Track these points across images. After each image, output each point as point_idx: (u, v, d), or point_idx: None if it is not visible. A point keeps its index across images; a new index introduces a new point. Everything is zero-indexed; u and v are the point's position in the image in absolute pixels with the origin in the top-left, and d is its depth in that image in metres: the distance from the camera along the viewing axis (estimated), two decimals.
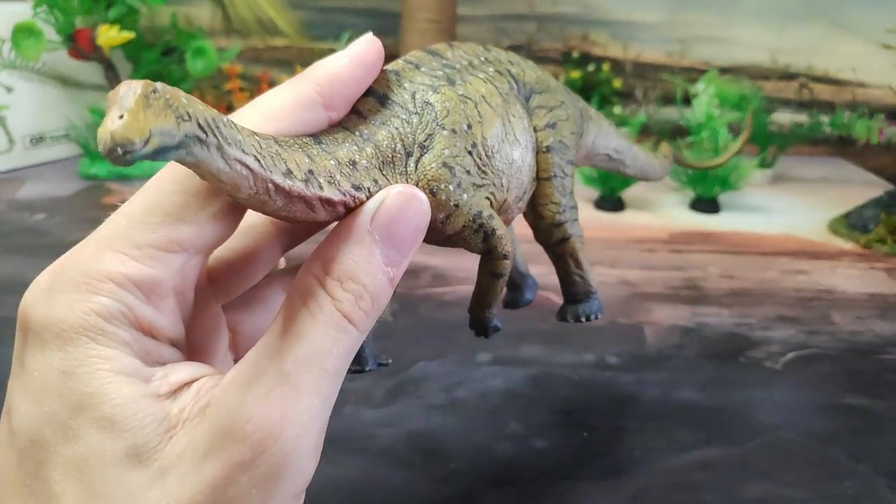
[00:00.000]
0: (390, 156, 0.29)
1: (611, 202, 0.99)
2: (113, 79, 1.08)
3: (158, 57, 1.10)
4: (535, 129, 0.35)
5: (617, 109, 1.18)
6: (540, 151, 0.35)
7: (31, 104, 1.08)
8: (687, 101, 1.10)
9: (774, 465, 0.46)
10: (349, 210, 0.27)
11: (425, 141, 0.29)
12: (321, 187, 0.26)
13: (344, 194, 0.27)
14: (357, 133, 0.28)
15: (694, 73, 1.27)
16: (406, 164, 0.29)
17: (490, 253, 0.32)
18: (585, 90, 1.22)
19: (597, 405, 0.52)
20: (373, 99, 0.30)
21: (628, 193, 1.00)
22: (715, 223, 0.94)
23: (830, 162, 1.29)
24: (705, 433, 0.49)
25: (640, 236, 0.88)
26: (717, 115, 0.99)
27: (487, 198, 0.31)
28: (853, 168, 1.26)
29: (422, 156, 0.29)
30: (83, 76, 1.13)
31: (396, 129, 0.29)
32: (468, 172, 0.30)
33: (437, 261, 0.78)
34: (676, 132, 1.16)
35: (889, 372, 0.58)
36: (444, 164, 0.29)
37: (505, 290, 0.43)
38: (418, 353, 0.58)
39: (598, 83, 1.21)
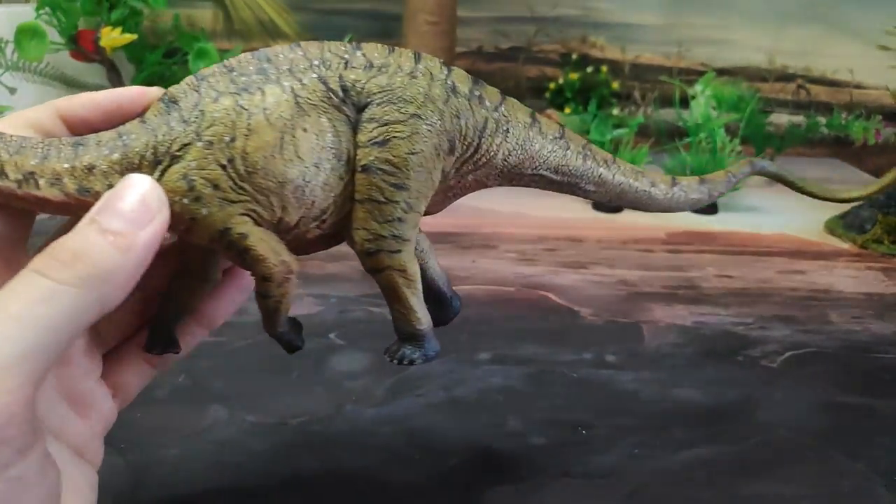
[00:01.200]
0: (137, 162, 0.29)
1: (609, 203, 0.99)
2: (115, 80, 1.09)
3: (160, 58, 1.11)
4: (358, 145, 0.32)
5: (615, 111, 1.18)
6: (356, 170, 0.32)
7: (33, 105, 1.08)
8: (685, 102, 1.11)
9: (772, 463, 0.47)
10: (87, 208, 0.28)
11: (178, 151, 0.30)
12: (38, 188, 0.28)
13: (66, 196, 0.29)
14: (121, 136, 0.30)
15: (692, 75, 1.27)
16: (153, 172, 0.29)
17: (251, 272, 0.32)
18: (584, 92, 1.22)
19: (595, 404, 0.53)
20: (162, 104, 0.30)
21: None
22: (713, 223, 0.95)
23: (828, 163, 1.29)
24: (703, 432, 0.50)
25: (639, 236, 0.89)
26: (714, 116, 1.00)
27: (247, 214, 0.30)
28: (850, 169, 1.27)
29: (169, 166, 0.30)
30: (86, 77, 1.14)
31: (157, 136, 0.30)
32: (216, 187, 0.30)
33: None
34: (674, 133, 1.17)
35: (886, 371, 0.59)
36: (184, 177, 0.29)
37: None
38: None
39: (596, 85, 1.22)
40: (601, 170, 0.39)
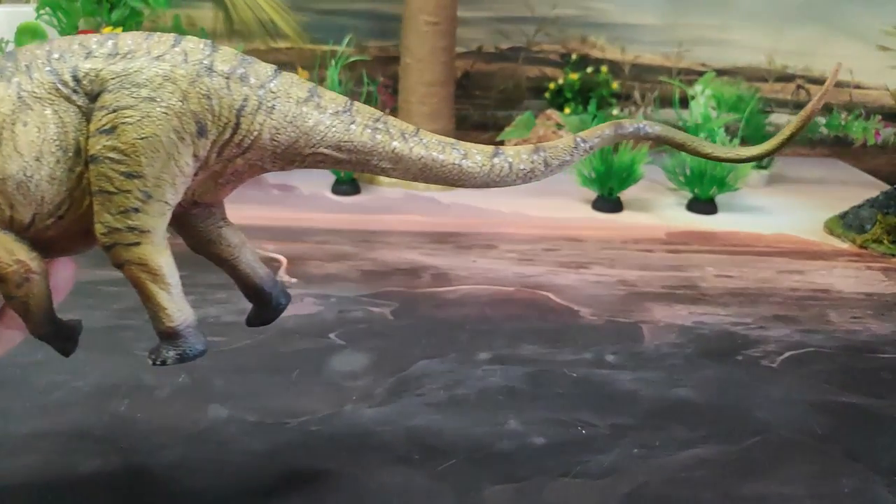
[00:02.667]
0: None
1: (609, 203, 0.99)
2: None
3: None
4: (88, 135, 0.31)
5: (615, 111, 1.18)
6: (87, 162, 0.31)
7: None
8: (685, 102, 1.11)
9: (771, 462, 0.47)
10: None
11: None
12: None
13: None
14: None
15: (691, 75, 1.28)
16: None
17: None
18: (584, 92, 1.23)
19: (595, 403, 0.53)
20: None
21: (626, 194, 1.01)
22: (712, 224, 0.95)
23: (827, 163, 1.30)
24: (703, 431, 0.50)
25: (638, 236, 0.89)
26: (714, 116, 1.00)
27: None
28: (850, 169, 1.27)
29: None
30: None
31: None
32: None
33: (438, 261, 0.78)
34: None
35: (885, 370, 0.59)
36: None
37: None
38: (418, 351, 0.59)
39: (596, 85, 1.22)
40: (395, 143, 0.35)
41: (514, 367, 0.57)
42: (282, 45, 1.29)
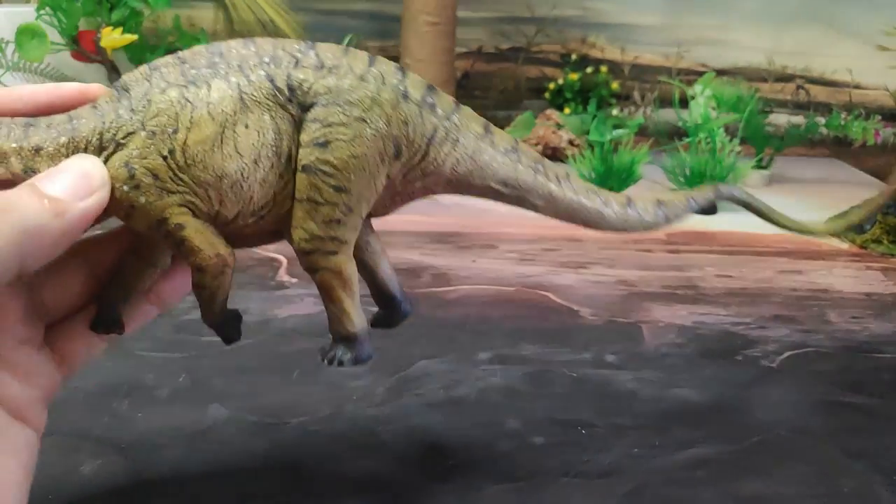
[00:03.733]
0: (83, 147, 0.30)
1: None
2: (116, 81, 1.09)
3: None
4: (300, 145, 0.32)
5: (615, 111, 1.18)
6: (297, 170, 0.32)
7: None
8: (684, 102, 1.11)
9: (771, 462, 0.47)
10: None
11: (123, 138, 0.30)
12: None
13: (13, 175, 0.29)
14: (71, 121, 0.31)
15: (691, 76, 1.28)
16: (100, 157, 0.30)
17: (187, 261, 0.32)
18: (584, 92, 1.23)
19: (595, 403, 0.53)
20: (115, 90, 0.31)
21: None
22: (712, 223, 0.95)
23: (827, 163, 1.30)
24: (702, 431, 0.50)
25: (638, 236, 0.89)
26: (714, 116, 1.00)
27: (185, 205, 0.31)
28: (849, 169, 1.27)
29: (114, 152, 0.30)
30: (87, 78, 1.14)
31: (104, 122, 0.30)
32: (156, 177, 0.30)
33: (438, 261, 0.78)
34: (674, 134, 1.17)
35: (885, 370, 0.59)
36: (126, 165, 0.30)
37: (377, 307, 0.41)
38: (418, 351, 0.59)
39: (596, 85, 1.22)
40: (552, 185, 0.38)
41: (514, 367, 0.57)
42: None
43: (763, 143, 1.13)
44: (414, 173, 0.35)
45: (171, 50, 1.13)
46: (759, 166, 1.12)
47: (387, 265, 0.39)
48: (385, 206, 0.37)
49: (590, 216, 0.39)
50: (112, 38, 1.01)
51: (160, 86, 0.31)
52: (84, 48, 1.05)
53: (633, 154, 0.97)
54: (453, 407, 0.52)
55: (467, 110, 0.36)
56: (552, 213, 0.39)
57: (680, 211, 0.41)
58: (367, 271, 0.39)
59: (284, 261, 0.77)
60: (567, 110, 1.20)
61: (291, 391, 0.53)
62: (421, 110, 0.34)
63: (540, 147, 1.21)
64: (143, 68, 0.31)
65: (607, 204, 0.39)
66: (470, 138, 0.36)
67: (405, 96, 0.34)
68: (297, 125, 0.32)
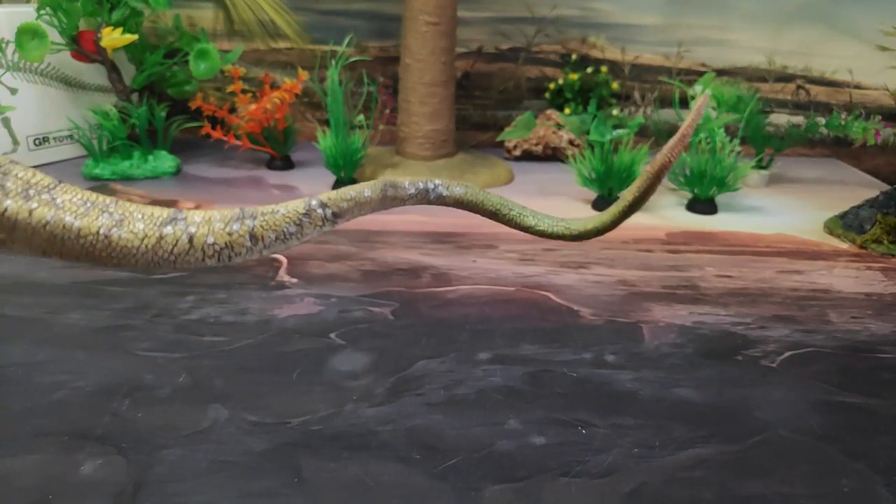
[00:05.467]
0: None
1: (608, 203, 0.99)
2: (116, 80, 1.09)
3: (161, 59, 1.11)
4: None
5: (615, 111, 1.18)
6: None
7: (35, 106, 1.09)
8: (685, 102, 1.11)
9: (771, 462, 0.47)
10: None
11: None
12: None
13: None
14: None
15: (691, 75, 1.28)
16: None
17: None
18: (584, 92, 1.23)
19: (595, 403, 0.53)
20: None
21: None
22: (712, 224, 0.95)
23: (827, 163, 1.30)
24: (703, 431, 0.50)
25: (638, 236, 0.89)
26: (714, 116, 1.00)
27: None
28: (849, 169, 1.27)
29: None
30: (87, 78, 1.14)
31: None
32: None
33: (438, 261, 0.78)
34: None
35: (885, 370, 0.59)
36: None
37: None
38: (419, 351, 0.59)
39: (596, 85, 1.22)
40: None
41: (514, 367, 0.57)
42: (282, 45, 1.30)
43: (763, 143, 1.13)
44: None
45: (171, 50, 1.13)
46: (760, 166, 1.12)
47: None
48: None
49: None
50: (112, 38, 1.01)
51: None
52: (84, 48, 1.05)
53: (634, 154, 0.97)
54: (453, 407, 0.52)
55: None
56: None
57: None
58: None
59: (285, 261, 0.77)
60: (567, 110, 1.20)
61: (291, 391, 0.53)
62: None
63: (540, 147, 1.21)
64: None
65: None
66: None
67: None
68: None
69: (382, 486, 0.44)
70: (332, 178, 1.05)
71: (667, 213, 0.99)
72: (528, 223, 0.30)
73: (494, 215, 0.29)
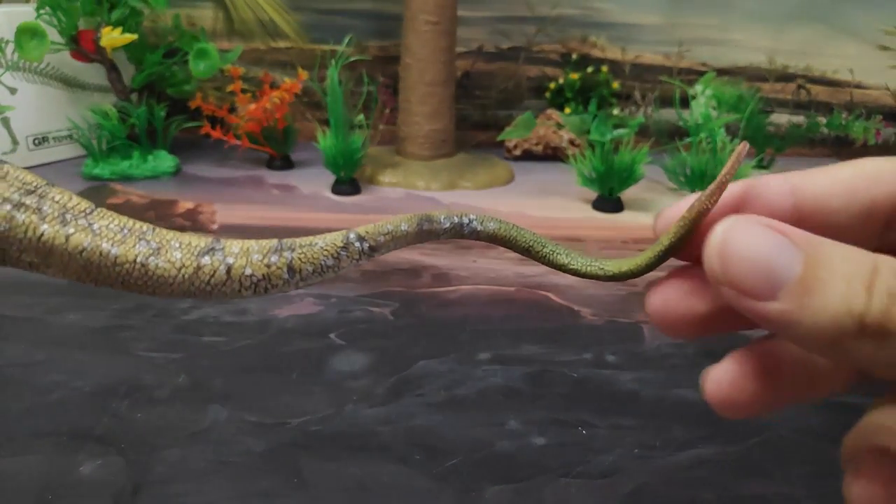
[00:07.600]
0: None
1: (609, 203, 0.99)
2: (116, 80, 1.09)
3: (161, 58, 1.11)
4: None
5: (615, 111, 1.18)
6: None
7: (34, 105, 1.09)
8: (685, 102, 1.11)
9: (772, 462, 0.47)
10: None
11: None
12: None
13: None
14: None
15: (692, 75, 1.27)
16: None
17: None
18: (584, 92, 1.22)
19: (595, 403, 0.53)
20: None
21: (627, 194, 1.01)
22: None
23: (827, 163, 1.29)
24: (703, 431, 0.50)
25: (639, 236, 0.89)
26: (714, 116, 1.00)
27: None
28: None
29: None
30: (86, 77, 1.14)
31: None
32: None
33: (438, 261, 0.78)
34: (674, 133, 1.17)
35: None
36: None
37: None
38: (419, 351, 0.59)
39: (596, 85, 1.22)
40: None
41: (514, 367, 0.57)
42: (282, 44, 1.29)
43: (764, 143, 1.13)
44: None
45: (170, 50, 1.13)
46: (760, 166, 1.12)
47: None
48: None
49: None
50: (112, 37, 1.00)
51: None
52: (84, 48, 1.05)
53: (634, 154, 0.97)
54: (453, 407, 0.52)
55: None
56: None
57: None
58: None
59: None
60: (567, 110, 1.19)
61: (291, 391, 0.53)
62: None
63: (540, 147, 1.21)
64: None
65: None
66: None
67: None
68: None
69: (382, 486, 0.44)
70: (331, 178, 1.05)
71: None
72: (560, 261, 0.30)
73: (528, 251, 0.29)
